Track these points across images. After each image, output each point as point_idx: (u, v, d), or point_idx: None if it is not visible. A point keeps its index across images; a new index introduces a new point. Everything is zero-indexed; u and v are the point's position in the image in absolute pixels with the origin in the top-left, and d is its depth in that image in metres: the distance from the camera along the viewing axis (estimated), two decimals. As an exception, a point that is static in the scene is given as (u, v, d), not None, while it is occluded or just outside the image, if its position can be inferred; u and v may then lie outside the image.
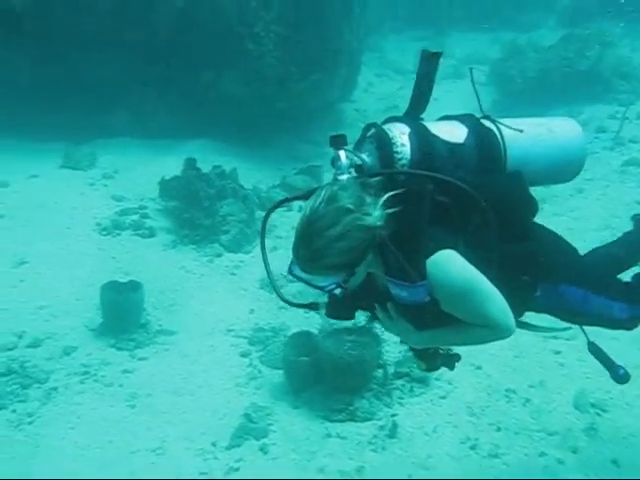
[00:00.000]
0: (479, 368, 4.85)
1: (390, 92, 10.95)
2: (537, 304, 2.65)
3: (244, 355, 5.10)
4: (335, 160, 2.29)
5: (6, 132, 7.67)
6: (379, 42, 13.03)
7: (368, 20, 9.66)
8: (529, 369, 4.83)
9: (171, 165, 7.25)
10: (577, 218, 6.78)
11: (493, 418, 4.37)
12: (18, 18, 7.37)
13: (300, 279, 2.20)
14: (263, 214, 2.55)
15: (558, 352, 5.02)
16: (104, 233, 6.43)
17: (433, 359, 2.63)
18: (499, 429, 4.28)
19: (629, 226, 6.67)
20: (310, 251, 2.12)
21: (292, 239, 2.18)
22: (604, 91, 9.38)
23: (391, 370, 4.74)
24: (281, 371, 4.89)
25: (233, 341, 5.25)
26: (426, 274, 2.19)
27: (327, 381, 4.67)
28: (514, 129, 2.53)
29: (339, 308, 2.48)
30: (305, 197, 2.31)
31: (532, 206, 2.52)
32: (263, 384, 4.83)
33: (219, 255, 6.29)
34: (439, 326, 2.39)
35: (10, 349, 4.90)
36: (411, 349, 2.70)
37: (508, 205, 2.40)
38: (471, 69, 2.56)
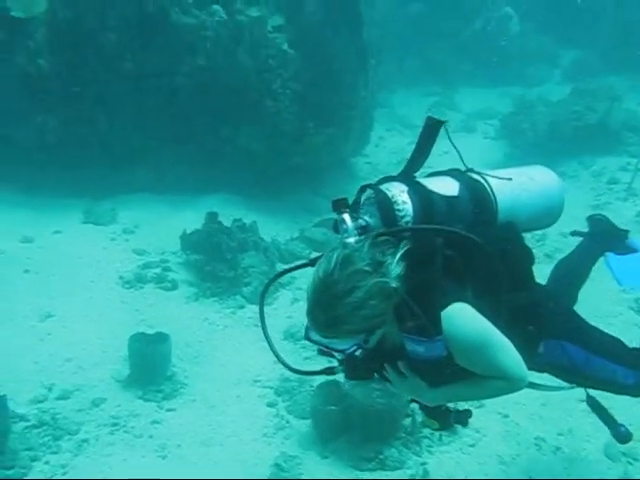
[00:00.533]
0: (506, 416, 4.86)
1: (400, 146, 11.15)
2: (540, 360, 2.69)
3: (271, 405, 5.13)
4: (340, 224, 2.33)
5: (31, 189, 7.84)
6: (388, 97, 13.33)
7: (380, 75, 9.94)
8: (557, 417, 4.84)
9: (191, 219, 7.40)
10: (595, 269, 6.84)
11: (524, 467, 4.38)
12: (47, 81, 7.67)
13: (319, 344, 2.22)
14: (283, 266, 2.67)
15: (583, 400, 5.02)
16: (127, 286, 6.53)
17: (445, 417, 2.61)
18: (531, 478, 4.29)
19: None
20: (330, 317, 2.12)
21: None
22: (614, 143, 9.56)
23: (419, 419, 4.76)
24: (308, 421, 4.91)
25: (260, 392, 5.28)
26: (441, 328, 2.23)
27: (355, 430, 4.69)
28: (502, 178, 2.62)
29: (357, 369, 2.45)
30: (308, 265, 2.42)
31: (530, 256, 2.62)
32: (291, 434, 4.85)
33: (242, 307, 6.36)
34: (453, 381, 2.40)
35: (41, 401, 4.95)
36: (421, 408, 2.67)
37: (509, 255, 2.47)
38: (445, 123, 2.61)
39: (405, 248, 2.23)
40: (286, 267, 2.58)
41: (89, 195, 8.03)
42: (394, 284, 2.14)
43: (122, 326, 5.87)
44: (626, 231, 3.49)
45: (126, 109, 7.96)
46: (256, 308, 6.32)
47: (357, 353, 2.24)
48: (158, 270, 6.78)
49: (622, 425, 2.99)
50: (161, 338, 5.31)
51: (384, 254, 2.19)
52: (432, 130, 2.58)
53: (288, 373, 5.37)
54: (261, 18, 7.69)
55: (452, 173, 2.64)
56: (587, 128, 9.44)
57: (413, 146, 2.66)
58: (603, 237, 3.50)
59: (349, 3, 7.84)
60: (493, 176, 2.64)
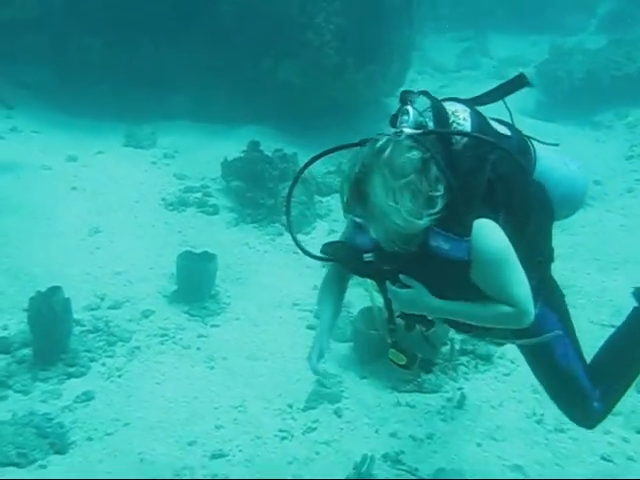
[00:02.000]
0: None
1: (432, 90, 11.09)
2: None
3: (311, 328, 5.31)
4: (401, 115, 2.36)
5: (74, 109, 7.95)
6: (420, 41, 13.20)
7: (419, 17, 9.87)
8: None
9: (229, 148, 7.51)
10: (627, 215, 6.97)
11: (555, 396, 4.58)
12: (91, 3, 7.70)
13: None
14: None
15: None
16: (170, 208, 6.70)
17: (412, 357, 2.65)
18: (562, 406, 4.49)
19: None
20: (383, 176, 2.18)
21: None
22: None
23: (457, 347, 4.96)
24: (347, 344, 5.12)
25: (300, 314, 5.48)
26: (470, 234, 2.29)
27: (394, 354, 4.90)
28: (548, 143, 2.72)
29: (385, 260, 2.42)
30: (358, 145, 2.39)
31: (553, 216, 2.74)
32: (330, 356, 5.03)
33: (280, 234, 6.52)
34: (460, 299, 2.44)
35: (94, 309, 5.19)
36: (392, 344, 2.68)
37: (540, 205, 2.58)
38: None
39: (457, 150, 2.36)
40: (333, 147, 2.56)
41: (130, 119, 8.13)
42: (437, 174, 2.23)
43: (166, 245, 6.08)
44: None
45: (169, 34, 7.99)
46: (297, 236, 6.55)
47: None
48: (199, 195, 6.94)
49: None
50: (208, 257, 5.50)
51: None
52: (514, 85, 2.67)
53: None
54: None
55: (506, 123, 2.72)
56: (625, 78, 9.40)
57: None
58: None
59: None
60: (539, 141, 2.73)
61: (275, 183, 6.68)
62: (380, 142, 2.25)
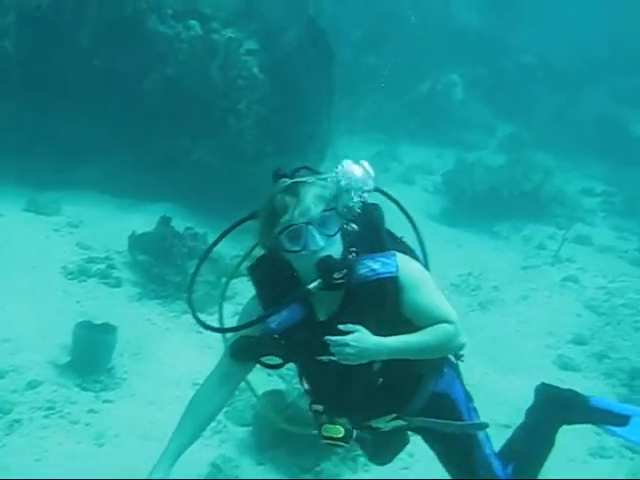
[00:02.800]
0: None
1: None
2: (441, 383, 2.65)
3: (208, 409, 5.11)
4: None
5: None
6: (336, 139, 13.69)
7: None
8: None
9: (137, 222, 7.34)
10: (523, 322, 7.25)
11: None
12: (9, 63, 7.54)
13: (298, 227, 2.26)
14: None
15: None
16: (70, 277, 6.41)
17: (348, 432, 2.47)
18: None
19: (569, 335, 7.08)
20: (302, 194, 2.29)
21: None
22: (543, 213, 10.22)
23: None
24: (245, 428, 4.94)
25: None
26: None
27: (294, 441, 4.74)
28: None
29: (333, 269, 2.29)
30: (249, 219, 2.57)
31: None
32: (228, 438, 4.86)
33: (185, 312, 6.32)
34: (401, 332, 2.36)
35: (-27, 377, 4.79)
36: (325, 420, 2.51)
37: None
38: None
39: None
40: (227, 228, 2.67)
41: (33, 183, 7.84)
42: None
43: (62, 315, 5.77)
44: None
45: (87, 104, 7.89)
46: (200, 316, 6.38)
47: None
48: (102, 266, 6.69)
49: None
50: (108, 329, 5.25)
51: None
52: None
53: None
54: (236, 39, 7.88)
55: None
56: (521, 195, 10.06)
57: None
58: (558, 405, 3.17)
59: (323, 39, 8.14)
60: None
61: (183, 260, 6.56)
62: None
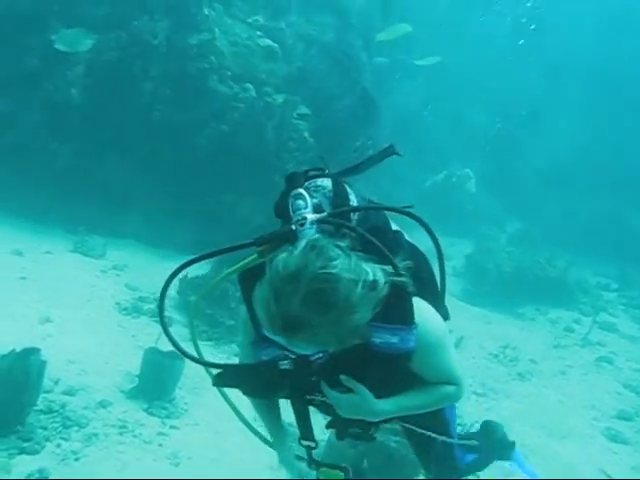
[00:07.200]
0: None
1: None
2: None
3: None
4: (294, 200, 2.14)
5: (24, 212, 7.69)
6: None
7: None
8: None
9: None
10: (564, 394, 7.29)
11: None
12: (73, 111, 7.82)
13: (279, 345, 1.98)
14: None
15: None
16: (124, 312, 6.43)
17: (346, 471, 2.37)
18: None
19: (613, 411, 7.11)
20: (302, 319, 1.86)
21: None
22: (568, 299, 10.44)
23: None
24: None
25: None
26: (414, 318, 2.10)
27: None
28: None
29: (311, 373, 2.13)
30: (253, 244, 2.16)
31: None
32: (295, 473, 4.78)
33: (236, 355, 6.33)
34: (400, 391, 2.24)
35: (47, 392, 4.73)
36: (324, 462, 2.45)
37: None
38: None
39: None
40: (228, 246, 2.24)
41: (77, 227, 7.93)
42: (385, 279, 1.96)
43: (119, 345, 5.77)
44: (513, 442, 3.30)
45: (140, 154, 8.13)
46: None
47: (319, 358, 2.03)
48: (153, 306, 6.71)
49: None
50: (175, 355, 5.23)
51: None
52: (383, 154, 2.55)
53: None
54: (290, 102, 8.26)
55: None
56: (547, 279, 10.29)
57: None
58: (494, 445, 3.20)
59: (371, 108, 8.55)
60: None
61: (237, 304, 6.60)
62: (291, 259, 1.92)
